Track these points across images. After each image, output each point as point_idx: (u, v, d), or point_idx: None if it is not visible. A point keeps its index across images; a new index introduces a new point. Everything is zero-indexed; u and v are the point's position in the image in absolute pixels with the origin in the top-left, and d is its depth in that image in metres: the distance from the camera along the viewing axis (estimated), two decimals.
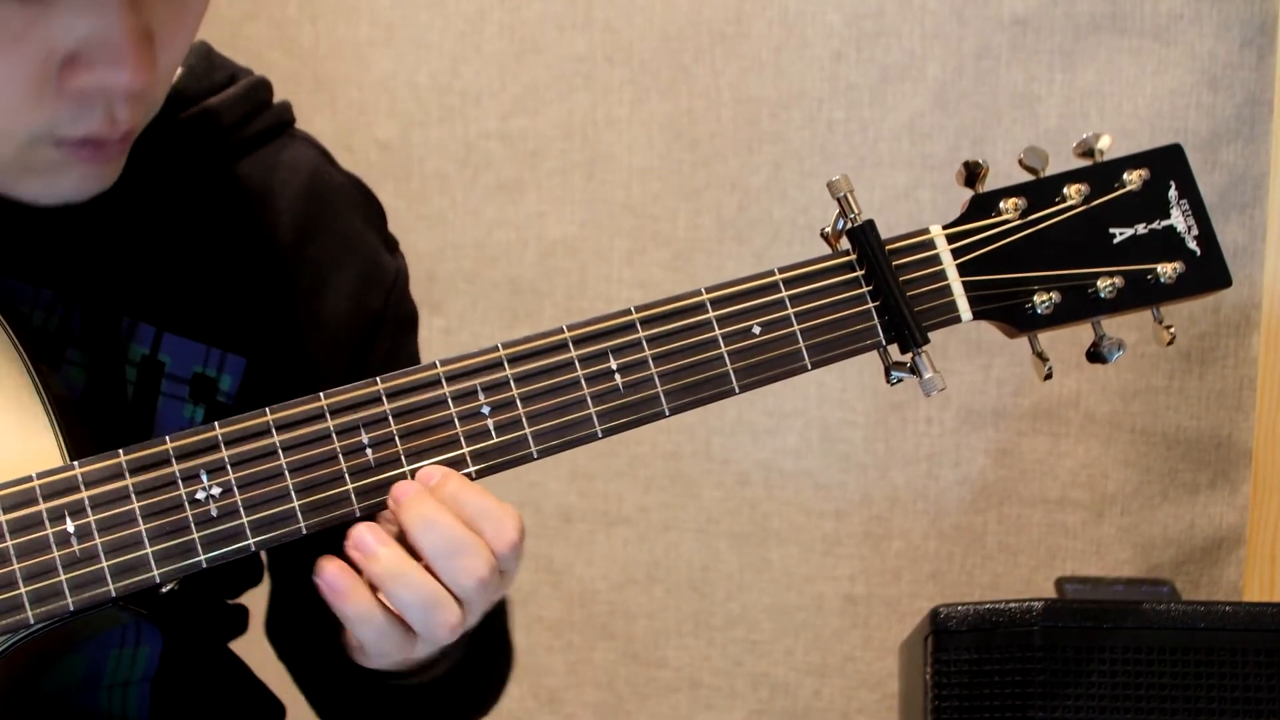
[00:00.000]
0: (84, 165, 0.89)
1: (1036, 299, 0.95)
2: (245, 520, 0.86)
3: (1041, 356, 0.96)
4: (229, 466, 0.86)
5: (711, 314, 0.92)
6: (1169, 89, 1.55)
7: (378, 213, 1.15)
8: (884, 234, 0.93)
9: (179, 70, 1.04)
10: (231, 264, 1.05)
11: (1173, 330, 0.96)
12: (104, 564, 0.85)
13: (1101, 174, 0.97)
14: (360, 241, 1.11)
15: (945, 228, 0.95)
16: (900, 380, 0.93)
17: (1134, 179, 0.97)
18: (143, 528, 0.85)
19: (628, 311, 0.89)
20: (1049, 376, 0.96)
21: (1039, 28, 1.58)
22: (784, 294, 0.91)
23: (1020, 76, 1.59)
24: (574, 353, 0.89)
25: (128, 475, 0.85)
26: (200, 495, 0.86)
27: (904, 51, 1.62)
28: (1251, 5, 1.52)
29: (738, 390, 0.92)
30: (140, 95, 0.87)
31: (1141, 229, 0.97)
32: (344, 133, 1.79)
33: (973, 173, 0.95)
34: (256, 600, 1.17)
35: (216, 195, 1.05)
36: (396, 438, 0.87)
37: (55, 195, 0.91)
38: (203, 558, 0.86)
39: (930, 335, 0.94)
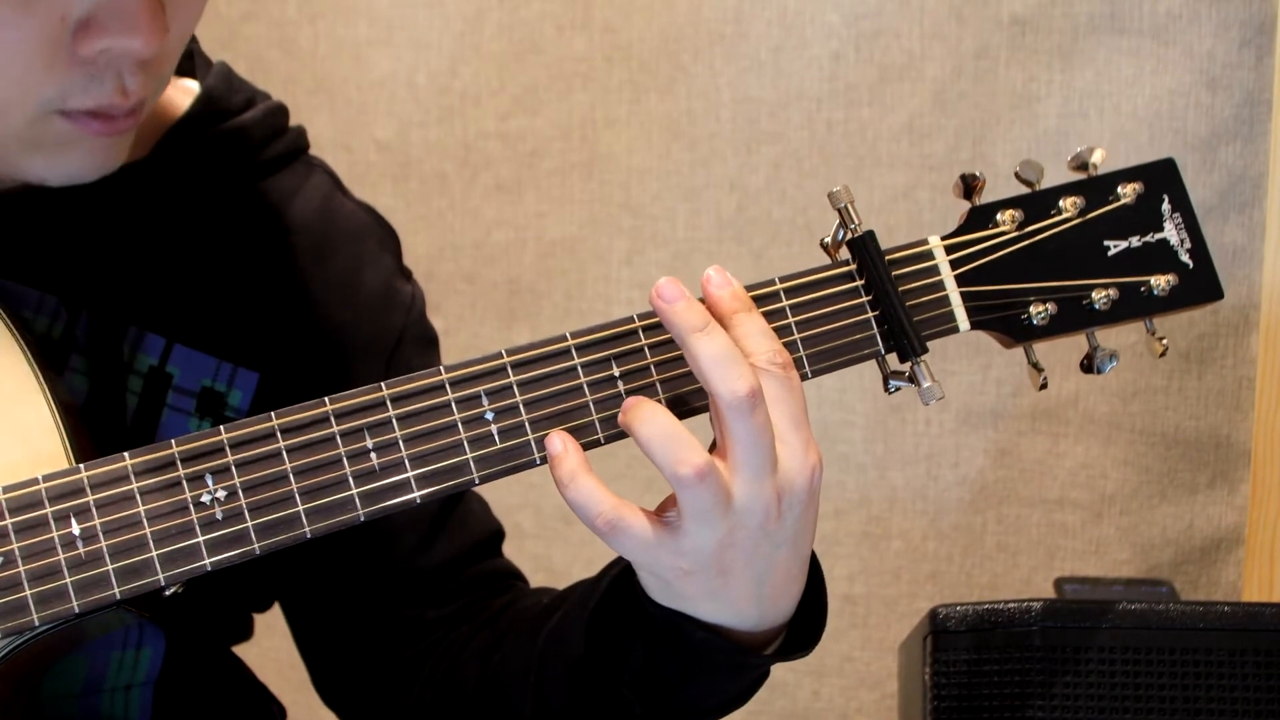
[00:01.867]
0: (92, 140, 0.89)
1: (1033, 310, 0.95)
2: (250, 524, 0.86)
3: (1037, 367, 0.96)
4: (234, 470, 0.86)
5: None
6: (1168, 89, 1.55)
7: (393, 239, 1.16)
8: (883, 234, 0.93)
9: (198, 88, 1.05)
10: (247, 280, 1.05)
11: (1165, 342, 0.97)
12: (109, 566, 0.85)
13: (1096, 187, 0.97)
14: (376, 264, 1.12)
15: (944, 238, 0.95)
16: (899, 389, 0.93)
17: (1128, 192, 0.97)
18: (148, 530, 0.85)
19: (630, 320, 0.90)
20: (1044, 387, 0.96)
21: (1038, 28, 1.58)
22: (784, 303, 0.91)
23: (1019, 76, 1.59)
24: (577, 359, 0.89)
25: (133, 478, 0.85)
26: (205, 498, 0.86)
27: (903, 51, 1.62)
28: (1250, 5, 1.52)
29: None
30: (151, 65, 0.88)
31: (1135, 241, 0.97)
32: (343, 133, 1.79)
33: (969, 185, 0.95)
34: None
35: (235, 213, 1.06)
36: (400, 442, 0.87)
37: (61, 173, 0.91)
38: (207, 561, 0.86)
39: (928, 344, 0.94)
